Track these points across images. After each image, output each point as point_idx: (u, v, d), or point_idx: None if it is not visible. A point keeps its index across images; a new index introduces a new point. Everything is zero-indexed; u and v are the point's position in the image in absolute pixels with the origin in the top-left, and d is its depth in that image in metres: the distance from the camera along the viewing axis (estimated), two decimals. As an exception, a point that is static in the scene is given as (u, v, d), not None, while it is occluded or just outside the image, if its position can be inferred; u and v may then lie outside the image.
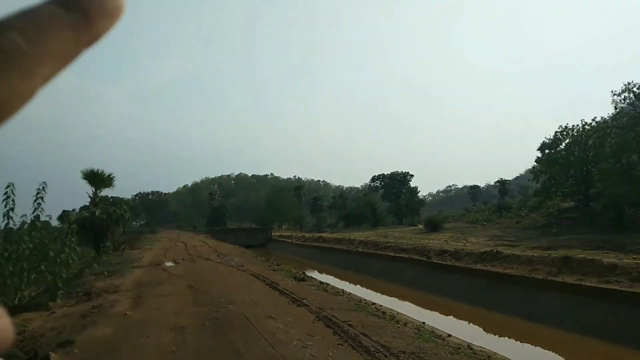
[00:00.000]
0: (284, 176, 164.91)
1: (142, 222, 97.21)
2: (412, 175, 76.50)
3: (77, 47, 0.35)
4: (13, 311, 10.09)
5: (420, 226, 46.67)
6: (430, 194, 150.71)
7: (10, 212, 10.62)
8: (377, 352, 6.12)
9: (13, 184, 10.65)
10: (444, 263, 18.55)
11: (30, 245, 10.54)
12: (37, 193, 11.10)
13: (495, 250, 17.72)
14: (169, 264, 19.04)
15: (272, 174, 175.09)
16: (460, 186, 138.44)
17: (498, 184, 77.07)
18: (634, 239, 20.09)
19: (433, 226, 39.18)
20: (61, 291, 11.18)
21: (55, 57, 0.34)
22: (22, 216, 11.00)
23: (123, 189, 77.31)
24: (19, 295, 10.60)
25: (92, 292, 12.10)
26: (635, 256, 13.95)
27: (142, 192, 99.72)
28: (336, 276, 23.11)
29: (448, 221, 47.36)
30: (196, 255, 23.33)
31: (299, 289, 11.46)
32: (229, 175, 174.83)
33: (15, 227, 10.94)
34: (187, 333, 7.32)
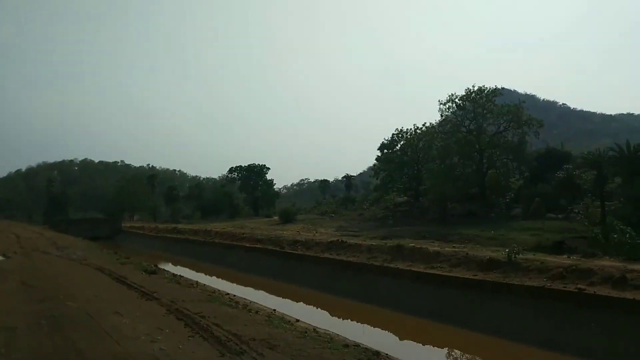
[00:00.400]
0: (137, 164, 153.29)
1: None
2: (268, 168, 77.59)
3: None
4: None
5: (276, 218, 47.79)
6: (285, 187, 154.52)
7: None
8: (228, 341, 6.26)
9: None
10: (296, 252, 19.41)
11: None
12: None
13: (340, 240, 19.11)
14: (-4, 258, 16.54)
15: (122, 161, 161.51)
16: (312, 180, 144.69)
17: (345, 179, 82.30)
18: (454, 230, 23.46)
19: (287, 218, 40.49)
20: None
21: None
22: None
23: None
24: None
25: None
26: (454, 245, 16.33)
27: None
28: (192, 268, 22.57)
29: (301, 213, 49.31)
30: (31, 248, 20.62)
31: (149, 282, 10.99)
32: (71, 161, 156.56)
33: None
34: (20, 334, 6.56)
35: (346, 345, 7.14)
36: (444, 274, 12.25)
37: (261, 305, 10.56)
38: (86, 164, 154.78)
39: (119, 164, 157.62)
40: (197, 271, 21.07)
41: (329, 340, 7.27)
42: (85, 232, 42.16)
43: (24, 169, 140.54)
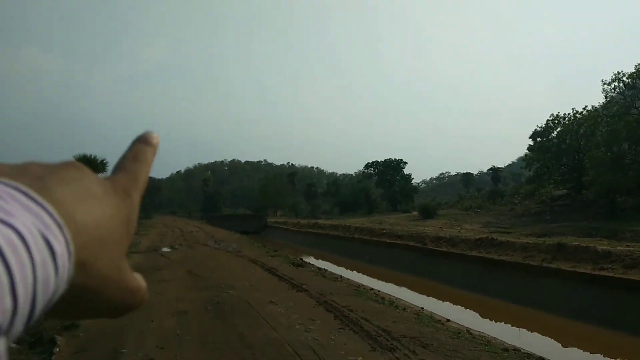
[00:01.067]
0: (278, 162, 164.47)
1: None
2: (405, 163, 76.65)
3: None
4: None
5: (415, 213, 46.97)
6: (423, 181, 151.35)
7: None
8: (378, 336, 6.27)
9: None
10: (440, 249, 18.79)
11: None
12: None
13: (490, 237, 17.95)
14: (166, 249, 19.10)
15: (265, 160, 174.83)
16: (453, 173, 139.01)
17: (491, 171, 77.37)
18: (626, 226, 20.41)
19: (427, 213, 39.48)
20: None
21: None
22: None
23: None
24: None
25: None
26: (628, 244, 14.21)
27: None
28: (332, 262, 23.31)
29: (442, 208, 47.70)
30: (193, 241, 23.41)
31: (297, 275, 11.61)
32: (222, 162, 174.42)
33: None
34: (190, 317, 7.43)
35: (505, 349, 6.64)
36: (616, 276, 10.73)
37: (407, 302, 10.42)
38: (234, 164, 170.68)
39: (262, 163, 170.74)
40: (337, 265, 21.71)
41: (486, 343, 6.83)
42: (236, 226, 46.49)
43: (183, 170, 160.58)
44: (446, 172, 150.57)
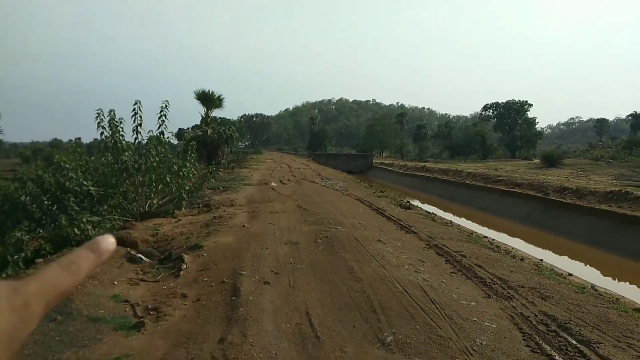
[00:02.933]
0: (386, 102, 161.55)
1: (246, 143, 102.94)
2: (530, 105, 70.53)
3: None
4: (144, 216, 11.56)
5: (536, 161, 43.71)
6: (549, 126, 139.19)
7: (139, 127, 11.79)
8: (493, 284, 6.11)
9: (140, 101, 11.72)
10: (563, 201, 17.45)
11: (157, 158, 11.71)
12: (161, 110, 12.10)
13: (624, 190, 16.19)
14: (275, 184, 20.15)
15: (374, 99, 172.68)
16: (584, 119, 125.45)
17: (630, 117, 68.33)
18: None
19: (550, 161, 36.46)
20: (185, 201, 12.49)
21: None
22: (149, 131, 12.17)
23: (230, 110, 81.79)
24: (148, 203, 12.03)
25: (212, 204, 13.36)
26: None
27: (247, 114, 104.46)
28: (440, 207, 22.89)
29: (568, 157, 43.71)
30: (301, 177, 24.37)
31: (406, 217, 11.60)
32: (329, 100, 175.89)
33: (143, 142, 12.18)
34: (301, 248, 7.87)
35: (637, 310, 6.10)
36: None
37: (524, 252, 9.95)
38: (342, 103, 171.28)
39: (370, 102, 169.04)
40: (445, 210, 21.29)
41: (614, 301, 6.32)
42: (341, 165, 47.41)
43: (291, 108, 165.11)
44: (576, 117, 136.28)
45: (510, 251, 8.76)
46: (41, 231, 9.68)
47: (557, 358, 4.09)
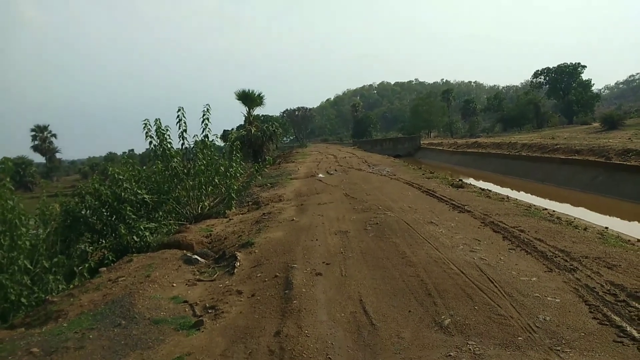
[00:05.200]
0: (430, 80, 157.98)
1: (291, 138, 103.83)
2: (584, 67, 66.77)
3: None
4: (198, 218, 11.96)
5: (595, 124, 41.51)
6: (607, 87, 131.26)
7: (184, 133, 12.20)
8: (555, 257, 5.87)
9: (183, 108, 12.10)
10: (628, 164, 16.50)
11: (204, 162, 12.09)
12: (203, 114, 12.47)
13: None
14: (322, 175, 20.25)
15: (416, 79, 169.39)
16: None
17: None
18: None
19: (611, 123, 34.45)
20: (234, 201, 12.84)
21: None
22: (194, 136, 12.57)
23: (271, 106, 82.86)
24: (200, 205, 12.44)
25: (260, 201, 13.62)
26: None
27: (288, 108, 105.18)
28: (495, 183, 22.26)
29: (630, 117, 41.14)
30: (347, 166, 24.34)
31: (458, 196, 11.33)
32: (370, 85, 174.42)
33: (189, 146, 12.60)
34: (351, 237, 7.87)
35: None
36: None
37: (587, 221, 9.48)
38: (383, 87, 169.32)
39: (413, 82, 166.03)
40: (502, 186, 20.64)
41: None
42: (388, 150, 47.03)
43: (332, 97, 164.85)
44: (637, 74, 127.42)
45: (572, 221, 8.37)
46: (103, 242, 10.20)
47: (628, 329, 3.88)
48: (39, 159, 74.72)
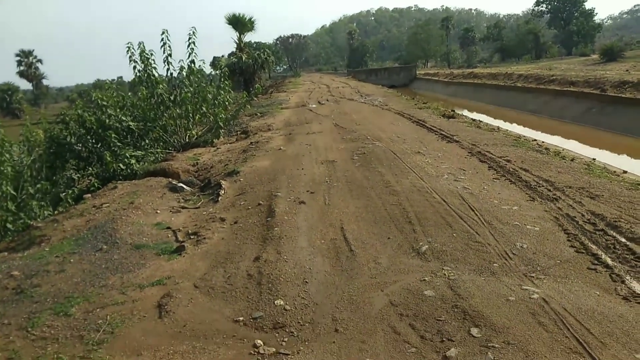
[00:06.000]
0: (430, 7, 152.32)
1: (284, 67, 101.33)
2: (589, -6, 64.17)
3: None
4: (185, 147, 11.81)
5: (594, 56, 40.52)
6: (610, 17, 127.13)
7: (169, 57, 11.69)
8: (538, 187, 5.87)
9: (167, 30, 11.50)
10: (622, 96, 16.25)
11: (191, 89, 11.69)
12: (189, 38, 11.86)
13: (698, 79, 14.82)
14: (313, 105, 19.91)
15: (416, 5, 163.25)
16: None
17: None
18: None
19: (610, 55, 33.56)
20: (222, 130, 12.62)
21: None
22: (180, 61, 12.05)
23: (264, 33, 79.80)
24: (188, 134, 12.23)
25: (249, 130, 13.44)
26: None
27: (282, 36, 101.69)
28: (489, 114, 21.99)
29: (631, 49, 40.12)
30: (339, 96, 23.91)
31: (448, 126, 11.20)
32: (368, 11, 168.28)
33: (175, 73, 12.13)
34: (337, 166, 7.82)
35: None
36: None
37: (576, 153, 9.45)
38: (381, 13, 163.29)
39: (412, 9, 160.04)
40: (494, 118, 20.43)
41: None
42: (383, 80, 46.04)
43: (328, 24, 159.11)
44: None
45: (560, 152, 8.32)
46: (90, 169, 10.09)
47: (603, 257, 3.92)
48: (26, 85, 72.86)
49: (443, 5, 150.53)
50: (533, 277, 3.72)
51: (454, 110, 15.45)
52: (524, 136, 10.56)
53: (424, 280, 3.76)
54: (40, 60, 71.23)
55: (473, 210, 5.14)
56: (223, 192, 7.09)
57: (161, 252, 5.00)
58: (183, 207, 6.77)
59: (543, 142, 9.78)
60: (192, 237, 5.38)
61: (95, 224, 5.84)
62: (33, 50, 70.01)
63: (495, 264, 3.95)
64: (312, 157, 8.70)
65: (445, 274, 3.83)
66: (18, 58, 68.80)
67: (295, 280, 3.94)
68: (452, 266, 3.97)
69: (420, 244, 4.44)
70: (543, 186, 5.87)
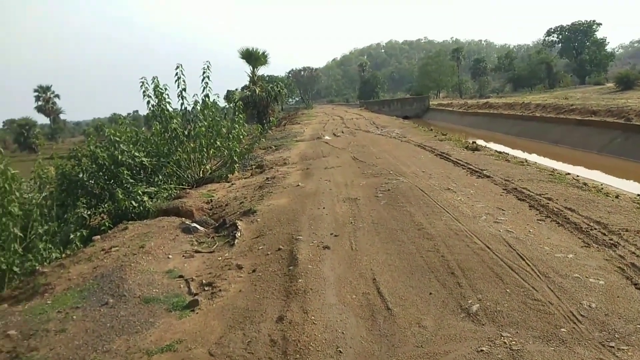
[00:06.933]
0: (439, 39, 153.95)
1: (296, 99, 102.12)
2: (599, 24, 64.01)
3: None
4: (199, 182, 11.41)
5: (609, 85, 39.99)
6: (621, 46, 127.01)
7: (183, 92, 11.48)
8: (591, 230, 5.25)
9: (181, 65, 11.32)
10: (650, 125, 15.68)
11: (205, 123, 11.44)
12: (203, 72, 11.70)
13: None
14: (328, 137, 19.53)
15: (425, 37, 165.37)
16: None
17: None
18: None
19: (626, 83, 33.00)
20: (237, 164, 12.24)
21: None
22: (194, 95, 11.85)
23: (276, 67, 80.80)
24: (202, 169, 11.87)
25: (264, 164, 13.03)
26: None
27: (294, 69, 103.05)
28: (509, 145, 21.41)
29: (644, 77, 39.46)
30: (354, 128, 23.54)
31: (475, 159, 10.63)
32: (378, 44, 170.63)
33: (189, 107, 11.91)
34: (361, 205, 7.27)
35: None
36: None
37: (617, 188, 8.79)
38: (391, 45, 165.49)
39: (422, 41, 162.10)
40: (514, 148, 19.85)
41: None
42: (396, 111, 45.90)
43: (339, 57, 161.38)
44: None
45: (601, 188, 7.70)
46: (102, 207, 9.72)
47: (693, 321, 3.29)
48: (43, 120, 74.16)
49: (453, 37, 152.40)
50: (613, 347, 3.09)
51: (475, 142, 14.93)
52: (557, 170, 9.95)
53: (482, 350, 3.15)
54: (57, 95, 72.74)
55: (524, 259, 4.53)
56: (239, 234, 6.58)
57: (172, 307, 4.46)
58: (197, 251, 6.26)
59: (578, 176, 9.17)
60: (206, 288, 4.85)
61: (103, 272, 5.33)
62: (51, 86, 71.62)
63: (562, 329, 3.34)
64: (333, 194, 8.17)
65: (505, 342, 3.22)
66: (36, 93, 70.25)
67: (327, 350, 3.36)
68: (512, 331, 3.36)
69: (470, 301, 3.84)
70: (596, 229, 5.25)
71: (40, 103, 70.38)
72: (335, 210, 7.05)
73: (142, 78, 11.06)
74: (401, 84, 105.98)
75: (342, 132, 21.20)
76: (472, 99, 48.62)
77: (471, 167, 9.62)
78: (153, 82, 11.14)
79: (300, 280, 4.55)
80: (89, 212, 9.42)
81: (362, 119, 32.07)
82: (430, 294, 4.10)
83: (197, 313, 4.26)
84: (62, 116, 76.76)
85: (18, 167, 10.50)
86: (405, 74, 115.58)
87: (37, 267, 6.46)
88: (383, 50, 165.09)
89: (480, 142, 19.04)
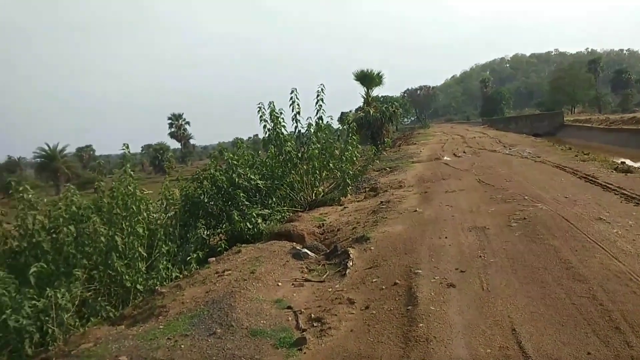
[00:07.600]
0: (572, 50, 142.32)
1: (412, 118, 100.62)
2: None
3: None
4: (312, 205, 11.36)
5: None
6: None
7: (298, 115, 11.69)
8: None
9: (296, 89, 11.57)
10: None
11: (318, 145, 11.46)
12: (317, 95, 11.84)
13: None
14: (448, 157, 18.56)
15: (556, 49, 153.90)
16: None
17: None
18: None
19: None
20: (350, 186, 12.04)
21: None
22: (307, 118, 12.01)
23: (391, 86, 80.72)
24: (314, 191, 11.84)
25: (378, 187, 12.62)
26: None
27: (409, 88, 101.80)
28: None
29: None
30: (478, 147, 22.15)
31: (629, 183, 9.08)
32: (502, 59, 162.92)
33: (303, 130, 12.07)
34: (491, 235, 6.45)
35: None
36: None
37: None
38: (517, 59, 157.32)
39: (552, 53, 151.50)
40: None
41: None
42: (524, 129, 42.83)
43: (458, 74, 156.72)
44: None
45: None
46: (220, 228, 10.11)
47: None
48: (175, 145, 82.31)
49: (588, 48, 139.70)
50: None
51: (625, 163, 13.02)
52: None
53: None
54: (188, 122, 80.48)
55: None
56: (351, 263, 6.19)
57: (279, 343, 4.18)
58: (306, 280, 6.00)
59: None
60: (315, 324, 4.50)
61: (214, 297, 5.27)
62: (182, 114, 79.43)
63: None
64: (456, 222, 7.43)
65: None
66: (170, 121, 78.39)
67: (457, 422, 2.77)
68: None
69: (647, 371, 2.98)
70: None
71: (173, 129, 78.29)
72: (459, 241, 6.33)
73: (259, 103, 11.47)
74: (529, 100, 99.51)
75: (464, 152, 20.05)
76: (614, 114, 43.65)
77: (625, 192, 8.18)
78: (269, 107, 11.48)
79: (421, 325, 3.98)
80: (207, 233, 9.83)
81: (486, 137, 30.27)
82: (589, 353, 3.29)
83: (304, 353, 3.93)
84: (191, 141, 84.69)
85: (152, 187, 11.35)
86: (534, 89, 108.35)
87: (157, 288, 6.68)
88: (508, 65, 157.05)
89: (629, 162, 16.70)
